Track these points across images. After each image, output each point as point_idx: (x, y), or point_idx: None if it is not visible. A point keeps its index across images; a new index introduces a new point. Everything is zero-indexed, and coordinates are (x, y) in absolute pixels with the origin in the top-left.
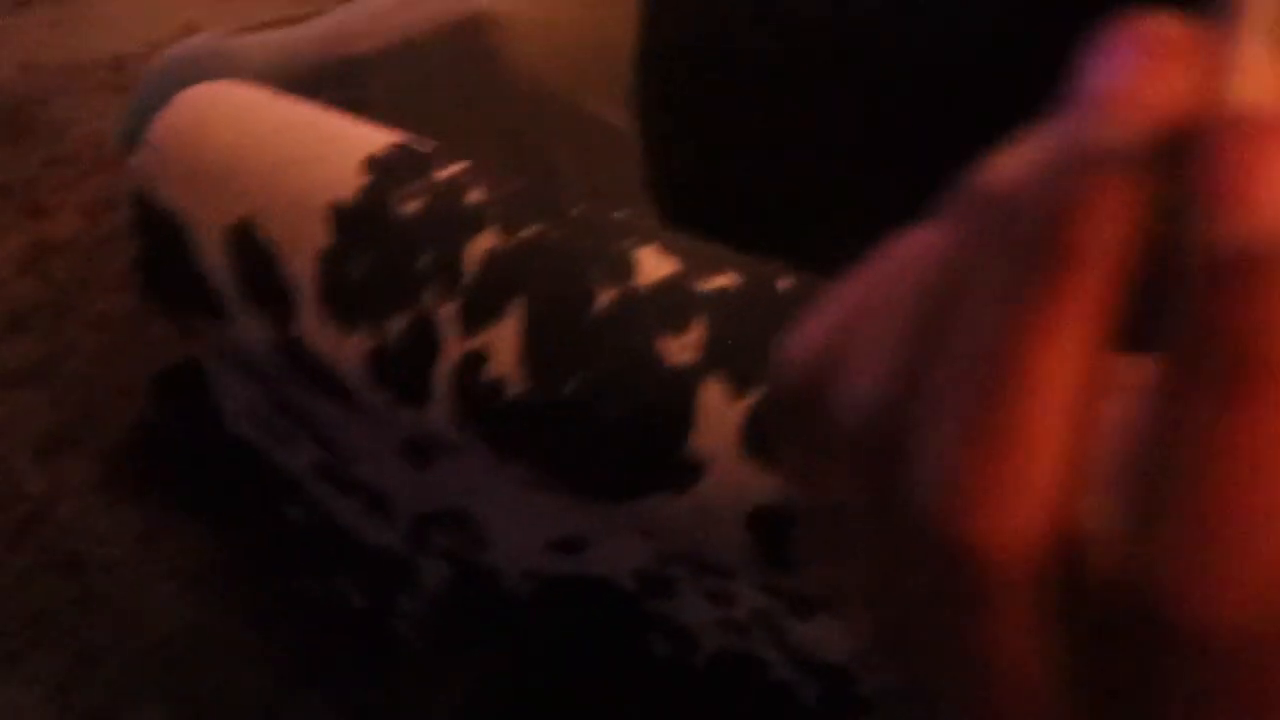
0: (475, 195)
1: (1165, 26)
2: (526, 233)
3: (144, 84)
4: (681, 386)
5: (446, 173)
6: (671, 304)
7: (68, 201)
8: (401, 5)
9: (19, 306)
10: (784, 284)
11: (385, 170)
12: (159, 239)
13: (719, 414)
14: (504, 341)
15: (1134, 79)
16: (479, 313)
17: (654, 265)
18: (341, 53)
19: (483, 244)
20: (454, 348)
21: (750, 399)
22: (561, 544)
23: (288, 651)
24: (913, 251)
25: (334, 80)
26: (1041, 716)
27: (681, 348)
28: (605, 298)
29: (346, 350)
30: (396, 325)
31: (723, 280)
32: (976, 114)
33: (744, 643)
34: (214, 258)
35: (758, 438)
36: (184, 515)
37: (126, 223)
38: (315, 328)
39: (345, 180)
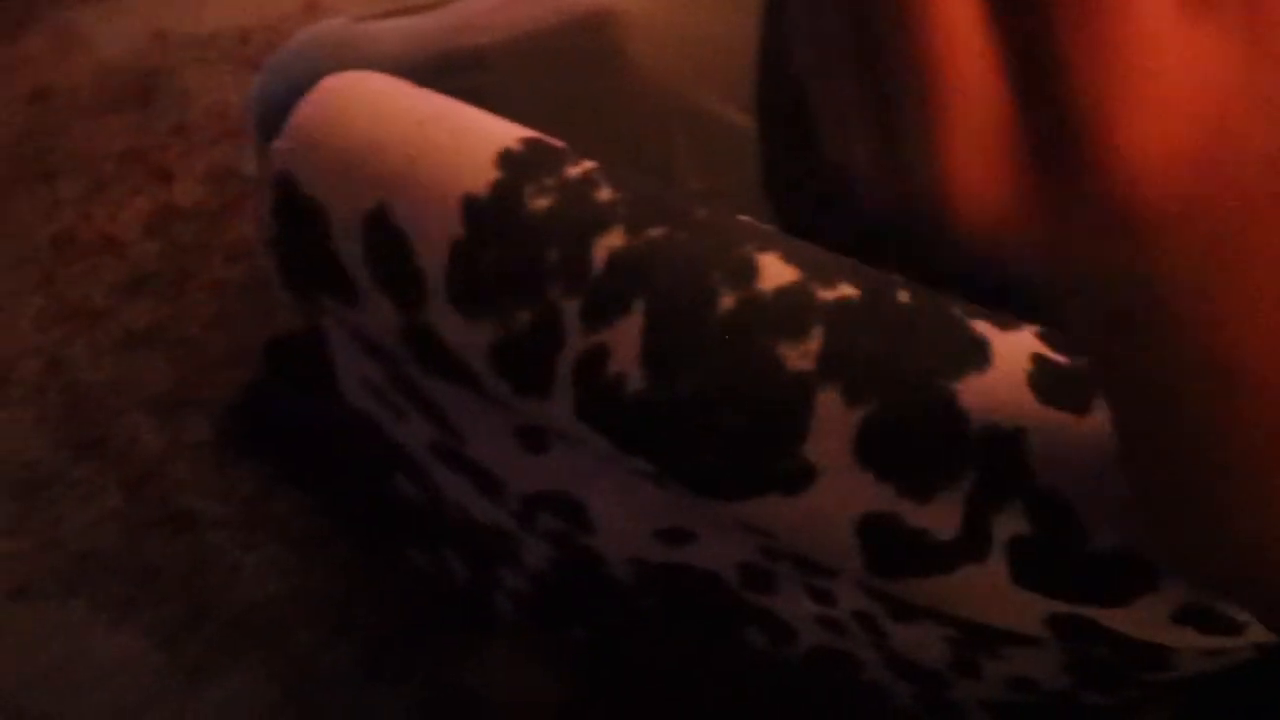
0: (604, 194)
1: None
2: (652, 233)
3: (274, 66)
4: (799, 392)
5: (577, 170)
6: (792, 311)
7: (192, 169)
8: None
9: (142, 269)
10: (903, 297)
11: (518, 165)
12: (298, 221)
13: (834, 422)
14: (626, 339)
15: None
16: (603, 310)
17: (776, 271)
18: (466, 43)
19: (609, 242)
20: (577, 342)
21: (865, 410)
22: (668, 534)
23: (385, 618)
24: None
25: (458, 69)
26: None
27: (801, 355)
28: (727, 301)
29: (472, 339)
30: (522, 317)
31: (843, 290)
32: None
33: (842, 641)
34: (349, 242)
35: (870, 448)
36: (293, 479)
37: (269, 203)
38: (443, 315)
39: (479, 173)
